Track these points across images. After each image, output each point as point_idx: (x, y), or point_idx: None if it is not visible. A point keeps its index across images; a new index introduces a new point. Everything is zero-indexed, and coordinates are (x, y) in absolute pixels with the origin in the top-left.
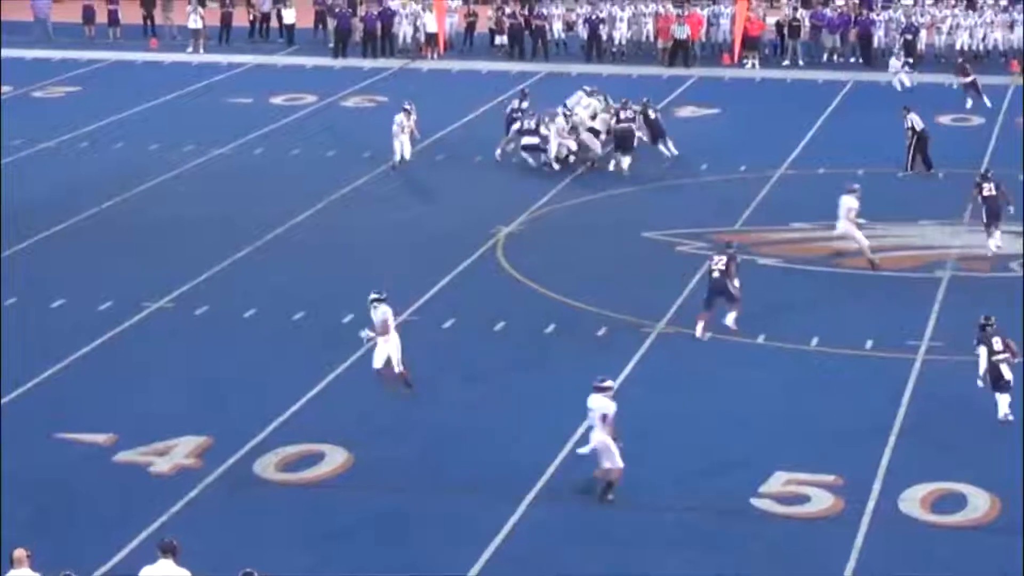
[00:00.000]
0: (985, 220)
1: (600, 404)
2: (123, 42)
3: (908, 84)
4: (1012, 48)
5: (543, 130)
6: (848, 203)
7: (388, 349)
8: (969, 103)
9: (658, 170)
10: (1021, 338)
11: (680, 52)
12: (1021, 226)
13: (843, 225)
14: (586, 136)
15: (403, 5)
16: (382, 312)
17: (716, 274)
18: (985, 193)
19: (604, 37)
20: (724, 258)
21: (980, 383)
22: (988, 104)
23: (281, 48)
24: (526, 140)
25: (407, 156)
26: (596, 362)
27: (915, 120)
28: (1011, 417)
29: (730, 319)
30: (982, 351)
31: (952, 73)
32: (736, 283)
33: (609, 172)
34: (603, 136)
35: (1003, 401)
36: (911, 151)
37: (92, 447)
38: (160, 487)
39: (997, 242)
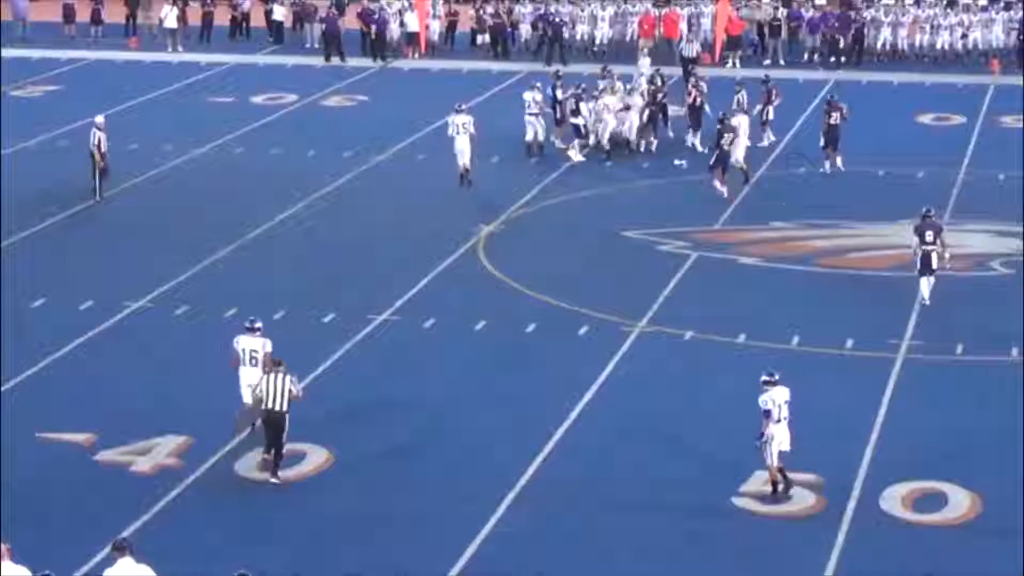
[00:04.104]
0: (824, 143)
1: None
2: (103, 41)
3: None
4: (992, 47)
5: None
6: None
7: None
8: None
9: (638, 169)
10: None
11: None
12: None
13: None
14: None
15: (388, 4)
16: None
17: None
18: (832, 121)
19: (586, 37)
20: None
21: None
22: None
23: (262, 47)
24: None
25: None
26: (577, 361)
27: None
28: (927, 302)
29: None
30: (915, 240)
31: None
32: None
33: (589, 171)
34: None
35: (927, 285)
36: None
37: (73, 447)
38: (141, 487)
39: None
